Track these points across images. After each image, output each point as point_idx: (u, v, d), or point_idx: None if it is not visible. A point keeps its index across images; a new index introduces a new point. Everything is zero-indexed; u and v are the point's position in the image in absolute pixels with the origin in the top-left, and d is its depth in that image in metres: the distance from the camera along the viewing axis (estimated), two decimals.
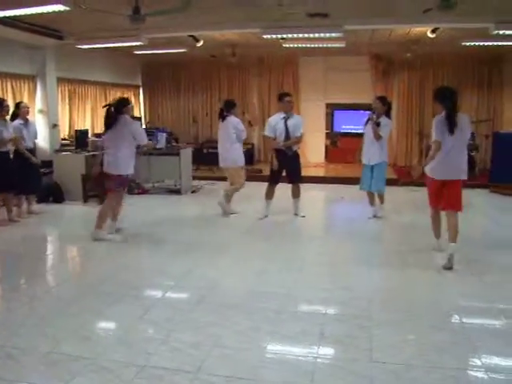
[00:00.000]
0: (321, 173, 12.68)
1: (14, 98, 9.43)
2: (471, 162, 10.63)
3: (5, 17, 7.36)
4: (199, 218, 8.09)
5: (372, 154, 7.63)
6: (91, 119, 12.29)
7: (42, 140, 9.67)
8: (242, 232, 7.20)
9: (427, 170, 5.66)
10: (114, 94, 13.25)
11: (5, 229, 7.34)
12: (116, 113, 6.58)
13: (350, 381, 3.22)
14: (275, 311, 4.27)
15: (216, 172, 12.14)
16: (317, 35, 8.84)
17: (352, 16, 7.92)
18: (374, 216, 7.96)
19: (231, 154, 8.07)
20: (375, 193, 7.98)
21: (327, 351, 3.65)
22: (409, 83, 13.61)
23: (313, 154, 13.58)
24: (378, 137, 7.49)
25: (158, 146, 9.89)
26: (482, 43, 9.97)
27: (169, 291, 4.82)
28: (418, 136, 13.29)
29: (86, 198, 9.13)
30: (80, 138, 9.75)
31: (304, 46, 10.65)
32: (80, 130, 10.26)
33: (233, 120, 8.02)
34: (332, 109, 14.58)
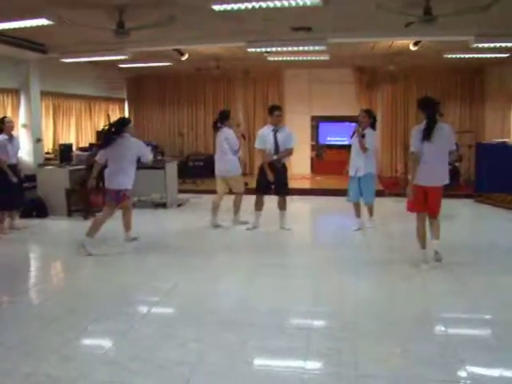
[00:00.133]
0: (307, 185, 12.71)
1: None
2: (455, 173, 10.76)
3: None
4: (184, 231, 8.05)
5: (358, 166, 7.69)
6: (76, 133, 12.21)
7: (26, 154, 9.61)
8: (228, 245, 7.17)
9: (413, 178, 5.84)
10: (99, 108, 13.24)
11: None
12: (116, 133, 6.76)
13: None
14: (261, 326, 4.24)
15: (200, 185, 12.16)
16: (301, 48, 8.90)
17: (335, 29, 7.98)
18: (359, 228, 7.96)
19: (225, 164, 8.16)
20: (365, 205, 8.00)
21: (313, 366, 3.62)
22: (392, 95, 13.76)
23: (298, 166, 13.58)
24: (363, 149, 7.56)
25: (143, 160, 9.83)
26: (463, 55, 10.10)
27: (153, 307, 4.76)
28: (403, 147, 13.37)
29: (70, 213, 9.04)
30: (64, 152, 9.67)
31: (288, 59, 10.71)
32: (64, 144, 10.19)
33: (225, 131, 8.08)
34: (317, 121, 14.65)
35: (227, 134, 8.06)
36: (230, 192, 8.42)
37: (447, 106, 13.16)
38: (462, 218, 9.40)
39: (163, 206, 9.96)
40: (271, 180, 7.79)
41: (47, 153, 10.74)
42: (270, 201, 8.16)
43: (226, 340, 3.97)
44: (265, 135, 7.83)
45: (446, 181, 5.86)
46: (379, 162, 13.45)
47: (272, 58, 10.63)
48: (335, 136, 14.42)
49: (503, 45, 8.27)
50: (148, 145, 10.12)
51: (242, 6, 6.03)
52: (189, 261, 6.40)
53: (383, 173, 13.70)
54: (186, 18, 7.05)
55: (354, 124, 7.95)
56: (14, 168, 7.87)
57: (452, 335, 4.08)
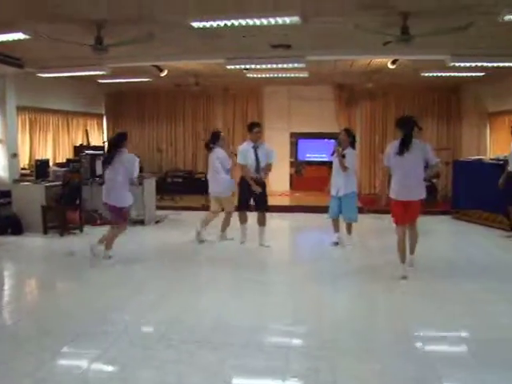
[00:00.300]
0: (286, 202, 12.70)
1: None
2: (433, 189, 10.87)
3: None
4: (163, 248, 7.95)
5: (339, 185, 7.79)
6: (53, 148, 12.06)
7: (1, 170, 9.46)
8: (206, 262, 7.13)
9: (390, 193, 6.26)
10: (77, 123, 13.13)
11: None
12: (116, 147, 6.97)
13: None
14: (240, 345, 4.19)
15: (178, 202, 12.09)
16: (280, 66, 8.93)
17: (314, 47, 8.04)
18: (337, 243, 8.02)
19: (218, 185, 8.23)
20: (345, 222, 8.03)
21: None
22: (371, 112, 13.88)
23: (277, 182, 13.57)
24: (344, 168, 7.66)
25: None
26: (440, 74, 10.24)
27: (130, 327, 4.65)
28: (381, 164, 13.46)
29: (46, 230, 8.89)
30: (40, 168, 9.53)
31: (268, 76, 10.74)
32: (40, 160, 10.04)
33: (217, 151, 8.19)
34: (296, 137, 14.70)
35: (219, 154, 8.16)
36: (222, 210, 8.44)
37: (425, 124, 13.24)
38: (440, 234, 9.45)
39: (141, 223, 9.85)
40: (258, 191, 7.83)
41: (23, 168, 10.58)
42: (250, 216, 8.19)
43: (205, 359, 3.91)
44: (246, 151, 7.91)
45: (423, 195, 6.19)
46: (358, 179, 13.52)
47: (251, 75, 10.65)
48: (314, 153, 14.49)
49: (478, 64, 8.40)
50: None
51: (221, 23, 6.02)
52: (167, 278, 6.33)
53: (362, 190, 13.75)
54: (165, 35, 7.04)
55: (333, 141, 8.02)
56: None
57: (430, 352, 4.08)
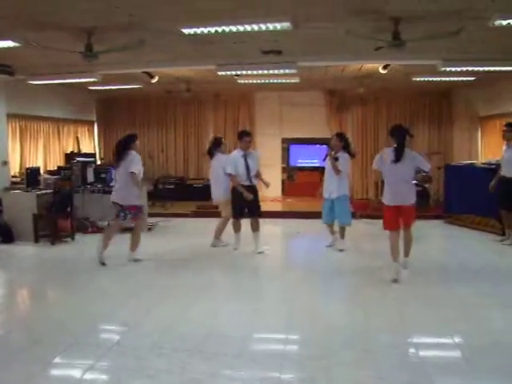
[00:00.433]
0: (278, 207, 12.67)
1: None
2: (425, 194, 10.88)
3: None
4: (153, 257, 7.86)
5: (332, 188, 7.87)
6: (44, 156, 11.98)
7: None
8: (198, 270, 7.05)
9: (383, 199, 6.53)
10: (68, 130, 13.05)
11: None
12: (124, 149, 7.09)
13: None
14: (233, 355, 4.13)
15: (169, 208, 12.02)
16: (271, 72, 8.93)
17: (305, 53, 8.03)
18: (330, 245, 8.15)
19: (219, 189, 8.30)
20: (339, 226, 8.11)
21: None
22: (362, 117, 13.90)
23: (269, 188, 13.48)
24: (337, 171, 7.73)
25: (112, 184, 9.69)
26: (431, 79, 10.29)
27: (121, 337, 4.60)
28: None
29: (37, 238, 8.81)
30: (31, 176, 9.46)
31: (259, 82, 10.75)
32: (31, 168, 9.98)
33: (218, 157, 8.30)
34: (288, 143, 14.70)
35: (220, 160, 8.24)
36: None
37: (416, 128, 13.36)
38: (432, 238, 9.46)
39: (132, 230, 9.76)
40: (249, 198, 7.84)
41: (14, 176, 10.50)
42: (243, 223, 8.19)
43: (196, 371, 3.85)
44: (236, 160, 7.92)
45: (413, 199, 6.40)
46: (350, 184, 13.54)
47: (242, 81, 10.65)
48: (306, 158, 14.49)
49: (469, 69, 8.42)
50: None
51: (212, 29, 6.02)
52: (159, 286, 6.27)
53: (354, 194, 13.76)
54: (156, 41, 7.02)
55: (325, 146, 8.10)
56: None
57: (424, 358, 4.06)
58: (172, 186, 13.57)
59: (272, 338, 4.68)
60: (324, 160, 8.14)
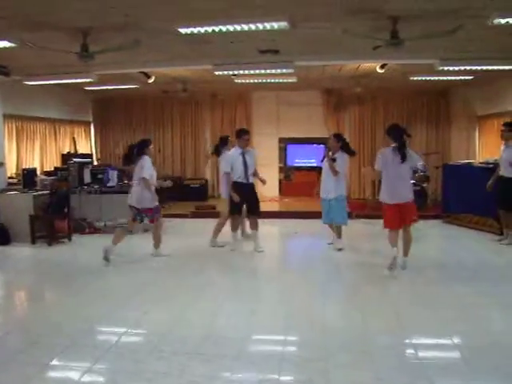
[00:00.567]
0: (275, 207, 12.63)
1: None
2: (423, 194, 10.86)
3: None
4: (150, 258, 7.83)
5: (329, 189, 7.89)
6: (40, 157, 11.93)
7: None
8: (197, 271, 7.02)
9: (381, 198, 6.70)
10: (64, 131, 12.99)
11: None
12: (138, 154, 7.37)
13: None
14: (231, 357, 4.09)
15: (167, 209, 11.93)
16: (268, 71, 8.89)
17: (303, 52, 8.01)
18: (331, 243, 8.20)
19: (227, 186, 8.31)
20: (334, 225, 8.14)
21: None
22: (360, 117, 13.88)
23: (267, 188, 13.41)
24: (334, 172, 7.75)
25: (109, 184, 9.68)
26: (428, 78, 10.27)
27: (119, 339, 4.56)
28: (371, 168, 13.46)
29: (33, 240, 8.77)
30: (27, 177, 9.41)
31: (256, 81, 10.72)
32: (27, 169, 9.92)
33: (226, 155, 8.36)
34: (285, 143, 14.66)
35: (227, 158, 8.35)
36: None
37: (414, 128, 13.34)
38: (431, 238, 9.44)
39: (129, 231, 9.72)
40: (236, 200, 7.92)
41: (10, 177, 10.44)
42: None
43: (195, 374, 3.82)
44: (234, 158, 7.99)
45: (411, 196, 6.58)
46: (347, 184, 13.51)
47: (239, 81, 10.62)
48: (303, 158, 14.46)
49: (467, 68, 8.39)
50: (113, 169, 9.99)
51: (209, 28, 5.98)
52: (156, 287, 6.24)
53: (352, 194, 13.74)
54: (152, 41, 6.99)
55: (322, 146, 8.13)
56: None
57: (423, 359, 4.04)
58: (169, 186, 13.47)
59: (270, 339, 4.65)
60: (322, 161, 8.18)
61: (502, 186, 8.18)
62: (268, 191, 13.60)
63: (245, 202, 8.10)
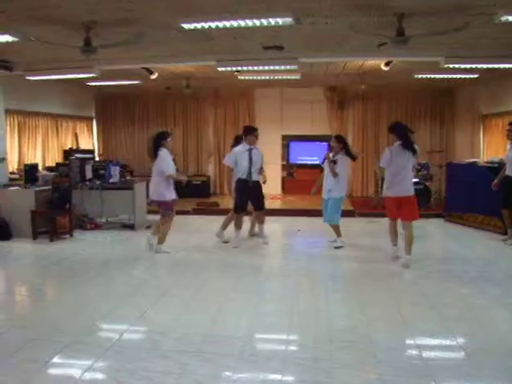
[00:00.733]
0: (278, 205, 12.57)
1: None
2: (426, 192, 10.81)
3: None
4: (152, 255, 7.75)
5: (329, 188, 7.95)
6: (42, 152, 11.90)
7: None
8: (199, 268, 6.97)
9: (385, 192, 7.11)
10: (66, 126, 12.96)
11: None
12: (155, 147, 7.51)
13: None
14: (233, 357, 4.05)
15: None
16: (272, 68, 8.83)
17: (307, 49, 7.95)
18: (333, 241, 8.20)
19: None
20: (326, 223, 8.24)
21: None
22: (363, 114, 13.80)
23: (269, 185, 13.36)
24: (334, 174, 7.84)
25: (111, 180, 9.63)
26: (433, 76, 10.20)
27: (120, 337, 4.51)
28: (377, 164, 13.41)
29: (35, 235, 8.73)
30: (29, 173, 9.37)
31: (259, 78, 10.66)
32: (29, 164, 9.88)
33: (232, 151, 8.40)
34: (288, 140, 14.60)
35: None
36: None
37: (417, 126, 13.31)
38: (434, 237, 9.40)
39: (131, 227, 9.71)
40: (236, 198, 8.14)
41: (12, 173, 10.42)
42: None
43: (197, 373, 3.77)
44: (240, 154, 8.09)
45: (412, 191, 6.88)
46: (350, 182, 13.48)
47: (243, 77, 10.56)
48: (306, 155, 14.38)
49: (473, 66, 8.32)
50: (115, 164, 9.95)
51: (213, 24, 5.91)
52: (157, 285, 6.19)
53: (354, 193, 13.70)
54: (155, 37, 6.93)
55: (325, 144, 8.17)
56: None
57: (428, 362, 3.97)
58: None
59: (273, 338, 4.60)
60: (322, 163, 8.27)
61: (509, 186, 8.12)
62: (270, 189, 13.53)
63: (249, 199, 8.18)
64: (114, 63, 8.66)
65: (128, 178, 10.67)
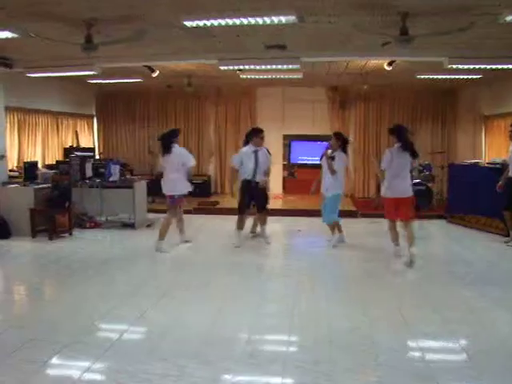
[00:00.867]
0: (279, 205, 12.50)
1: None
2: (428, 193, 10.76)
3: None
4: (152, 255, 7.71)
5: (327, 186, 7.99)
6: (42, 150, 11.84)
7: None
8: (199, 269, 6.92)
9: (383, 192, 7.23)
10: (67, 124, 12.91)
11: None
12: (168, 143, 7.72)
13: None
14: (233, 359, 3.99)
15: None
16: (274, 67, 8.78)
17: (309, 48, 7.89)
18: (342, 241, 8.23)
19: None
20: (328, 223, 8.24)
21: None
22: (365, 114, 13.73)
23: (271, 185, 13.37)
24: (332, 171, 7.81)
25: (111, 179, 9.57)
26: (435, 76, 10.14)
27: (119, 338, 4.46)
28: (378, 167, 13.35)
29: (34, 233, 8.68)
30: (28, 170, 9.33)
31: (261, 77, 10.60)
32: (28, 162, 9.83)
33: (239, 151, 8.51)
34: (289, 140, 14.54)
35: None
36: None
37: (419, 127, 13.26)
38: (436, 239, 9.36)
39: (131, 226, 9.65)
40: (240, 198, 8.19)
41: (11, 170, 10.36)
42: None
43: (196, 376, 3.71)
44: (247, 155, 8.13)
45: (411, 193, 7.09)
46: (352, 183, 13.44)
47: (245, 76, 10.51)
48: (308, 155, 14.32)
49: (476, 66, 8.26)
50: (115, 163, 9.90)
51: (215, 21, 5.86)
52: (157, 286, 6.12)
53: (356, 193, 13.64)
54: (157, 34, 6.87)
55: (325, 143, 8.15)
56: None
57: (430, 364, 3.93)
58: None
59: (273, 340, 4.56)
60: (320, 159, 8.23)
61: (511, 188, 8.07)
62: (272, 188, 13.49)
63: (252, 200, 8.22)
64: (115, 61, 8.59)
65: (128, 176, 10.61)
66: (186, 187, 7.96)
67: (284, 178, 14.53)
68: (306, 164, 14.29)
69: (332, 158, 7.82)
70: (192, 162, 7.93)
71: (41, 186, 9.02)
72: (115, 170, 9.69)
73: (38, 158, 11.35)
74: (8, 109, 10.23)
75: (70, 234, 8.91)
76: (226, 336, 4.49)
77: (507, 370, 3.79)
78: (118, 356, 4.05)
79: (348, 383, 3.63)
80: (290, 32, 6.77)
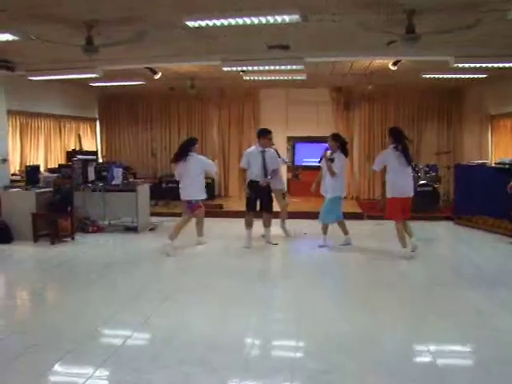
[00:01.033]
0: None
1: None
2: (435, 194, 10.65)
3: None
4: (155, 258, 7.62)
5: (327, 187, 7.98)
6: (44, 153, 11.77)
7: None
8: (202, 272, 6.83)
9: (391, 193, 7.33)
10: (69, 127, 12.85)
11: None
12: (186, 151, 7.96)
13: None
14: (239, 367, 3.87)
15: (173, 208, 11.71)
16: (277, 68, 8.69)
17: (313, 48, 7.81)
18: (346, 244, 8.19)
19: (275, 182, 8.70)
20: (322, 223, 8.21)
21: None
22: (370, 115, 13.63)
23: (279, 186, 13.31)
24: (332, 173, 7.79)
25: (114, 182, 9.49)
26: (441, 76, 10.04)
27: (121, 346, 4.33)
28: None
29: (36, 238, 8.60)
30: (30, 174, 9.25)
31: (265, 78, 10.52)
32: (30, 166, 9.76)
33: (269, 152, 8.46)
34: (293, 142, 14.45)
35: (271, 155, 8.47)
36: None
37: (425, 127, 13.18)
38: (442, 241, 9.26)
39: (134, 230, 9.56)
40: (248, 196, 8.19)
41: (14, 174, 10.29)
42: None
43: (202, 381, 3.62)
44: (254, 155, 8.13)
45: (412, 192, 7.50)
46: (356, 184, 13.35)
47: (248, 78, 10.43)
48: (312, 157, 14.19)
49: (483, 65, 8.15)
50: (118, 166, 9.81)
51: (217, 21, 5.77)
52: (160, 290, 6.00)
53: (361, 195, 13.54)
54: (159, 36, 6.80)
55: (326, 145, 8.06)
56: None
57: (440, 371, 3.82)
58: (175, 185, 13.29)
59: (280, 347, 4.46)
60: (320, 161, 8.23)
61: None
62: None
63: (260, 199, 8.22)
64: (116, 63, 8.56)
65: (131, 179, 10.53)
66: (202, 193, 8.17)
67: (288, 180, 14.43)
68: (310, 166, 14.18)
69: (331, 160, 7.78)
70: (215, 169, 8.49)
71: (43, 190, 8.95)
72: (118, 173, 9.60)
73: (41, 162, 11.28)
74: (10, 112, 10.18)
75: (73, 238, 8.83)
76: (231, 343, 4.37)
77: None
78: (121, 364, 3.94)
79: None
80: (293, 32, 6.69)
